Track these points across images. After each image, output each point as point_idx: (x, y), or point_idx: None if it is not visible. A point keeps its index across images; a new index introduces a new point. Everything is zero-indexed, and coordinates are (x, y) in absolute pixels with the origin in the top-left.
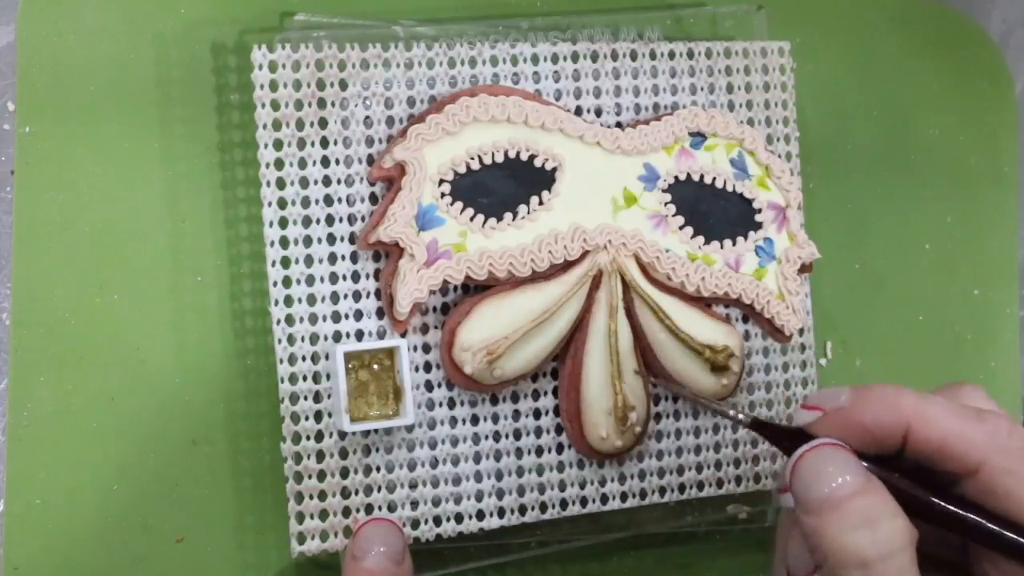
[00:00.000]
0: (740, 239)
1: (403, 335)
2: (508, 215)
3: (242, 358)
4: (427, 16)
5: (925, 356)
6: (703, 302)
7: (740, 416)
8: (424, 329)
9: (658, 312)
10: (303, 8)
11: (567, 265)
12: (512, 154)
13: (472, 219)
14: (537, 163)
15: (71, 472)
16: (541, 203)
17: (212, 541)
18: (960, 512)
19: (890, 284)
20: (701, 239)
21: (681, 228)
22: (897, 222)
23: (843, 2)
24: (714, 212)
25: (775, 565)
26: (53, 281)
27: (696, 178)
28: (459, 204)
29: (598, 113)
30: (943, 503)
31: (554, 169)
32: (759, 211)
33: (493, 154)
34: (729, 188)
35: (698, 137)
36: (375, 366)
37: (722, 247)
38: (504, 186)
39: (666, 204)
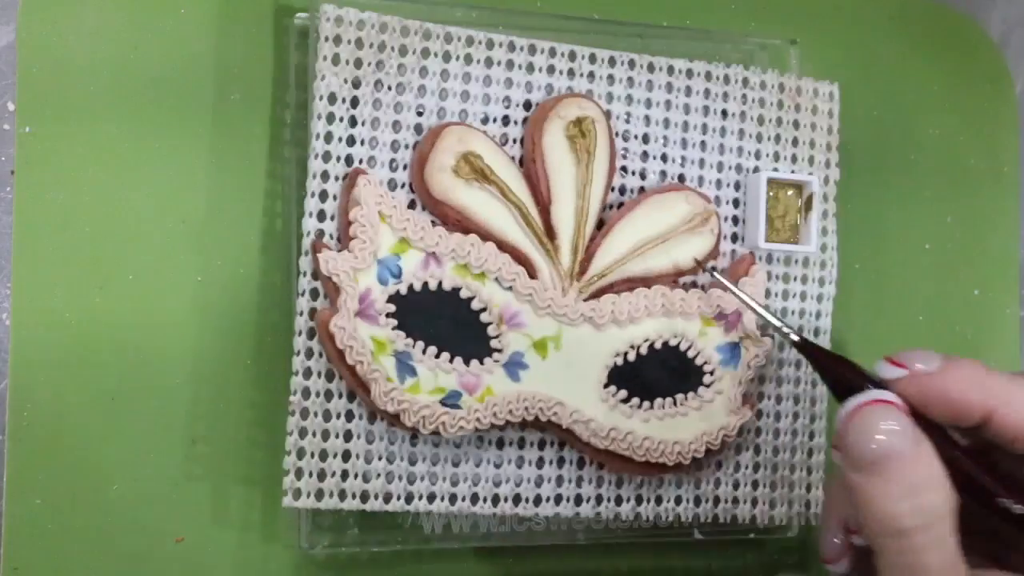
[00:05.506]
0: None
1: None
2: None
3: (242, 357)
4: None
5: None
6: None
7: (790, 332)
8: None
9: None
10: (302, 8)
11: None
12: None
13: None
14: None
15: (71, 472)
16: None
17: (212, 541)
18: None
19: (890, 284)
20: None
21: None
22: (897, 222)
23: (843, 2)
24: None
25: (825, 515)
26: (53, 281)
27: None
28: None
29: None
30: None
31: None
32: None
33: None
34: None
35: None
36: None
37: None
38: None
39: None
